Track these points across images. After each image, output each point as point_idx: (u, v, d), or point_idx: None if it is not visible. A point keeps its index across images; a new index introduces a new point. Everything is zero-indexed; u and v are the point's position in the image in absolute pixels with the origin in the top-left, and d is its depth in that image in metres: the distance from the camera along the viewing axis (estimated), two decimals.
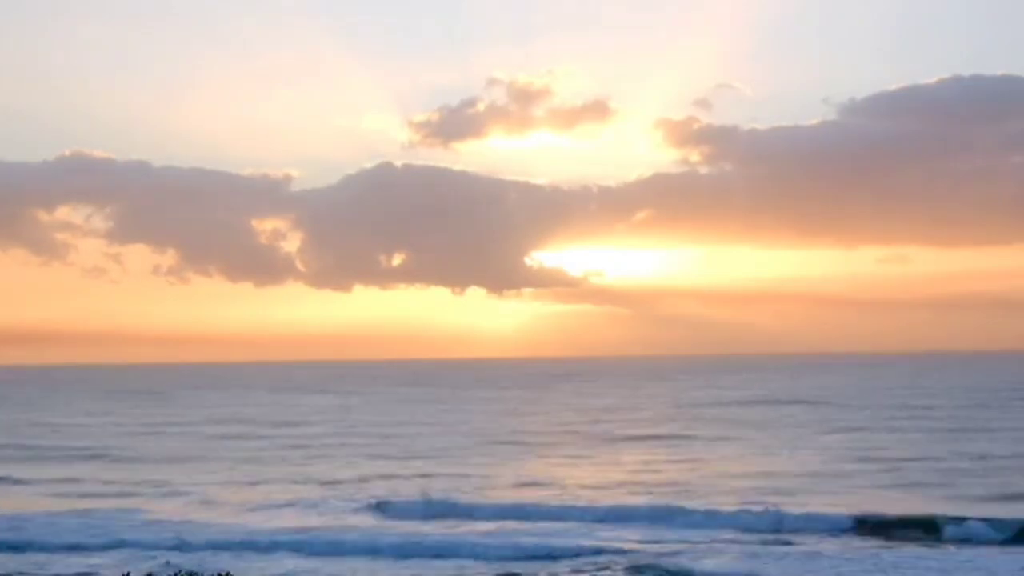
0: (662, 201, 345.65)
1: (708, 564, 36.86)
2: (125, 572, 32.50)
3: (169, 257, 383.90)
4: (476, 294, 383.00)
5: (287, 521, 46.71)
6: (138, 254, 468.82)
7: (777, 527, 43.61)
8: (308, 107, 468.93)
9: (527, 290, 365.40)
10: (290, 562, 39.30)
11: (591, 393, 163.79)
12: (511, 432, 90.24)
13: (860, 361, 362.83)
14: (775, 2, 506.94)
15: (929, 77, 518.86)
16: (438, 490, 53.58)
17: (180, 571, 30.41)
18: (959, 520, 43.51)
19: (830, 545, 40.28)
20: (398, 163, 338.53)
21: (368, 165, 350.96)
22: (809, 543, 40.59)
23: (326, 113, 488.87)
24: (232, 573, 32.40)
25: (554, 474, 61.90)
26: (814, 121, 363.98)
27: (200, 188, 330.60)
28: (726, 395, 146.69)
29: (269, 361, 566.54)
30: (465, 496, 52.02)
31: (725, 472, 61.39)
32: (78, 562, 39.41)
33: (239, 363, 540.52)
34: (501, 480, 59.15)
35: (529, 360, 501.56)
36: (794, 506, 47.23)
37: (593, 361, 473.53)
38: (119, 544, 41.97)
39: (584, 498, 51.76)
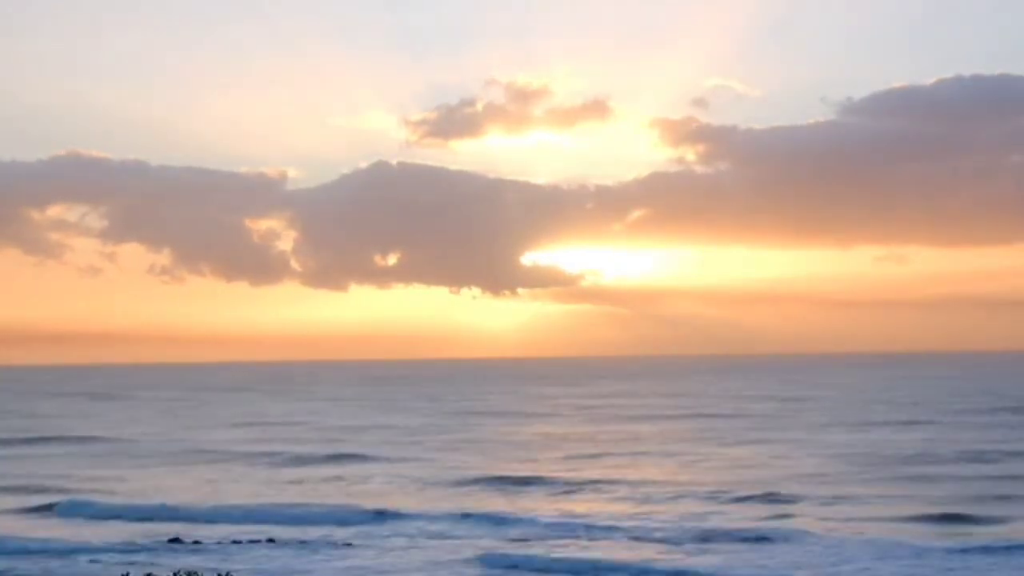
0: (660, 200, 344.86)
1: None
2: (124, 573, 31.90)
3: (164, 256, 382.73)
4: (472, 294, 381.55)
5: None
6: (133, 253, 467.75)
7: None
8: (306, 106, 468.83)
9: (522, 290, 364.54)
10: None
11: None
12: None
13: (856, 362, 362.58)
14: (773, 2, 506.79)
15: (929, 77, 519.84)
16: None
17: (180, 571, 29.81)
18: None
19: None
20: (394, 162, 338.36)
21: (365, 164, 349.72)
22: None
23: (324, 112, 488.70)
24: (232, 573, 31.80)
25: None
26: (812, 121, 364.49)
27: (196, 187, 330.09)
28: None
29: (265, 361, 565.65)
30: None
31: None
32: None
33: (237, 363, 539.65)
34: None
35: (520, 360, 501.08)
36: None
37: (581, 361, 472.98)
38: None
39: None
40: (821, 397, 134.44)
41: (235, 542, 42.07)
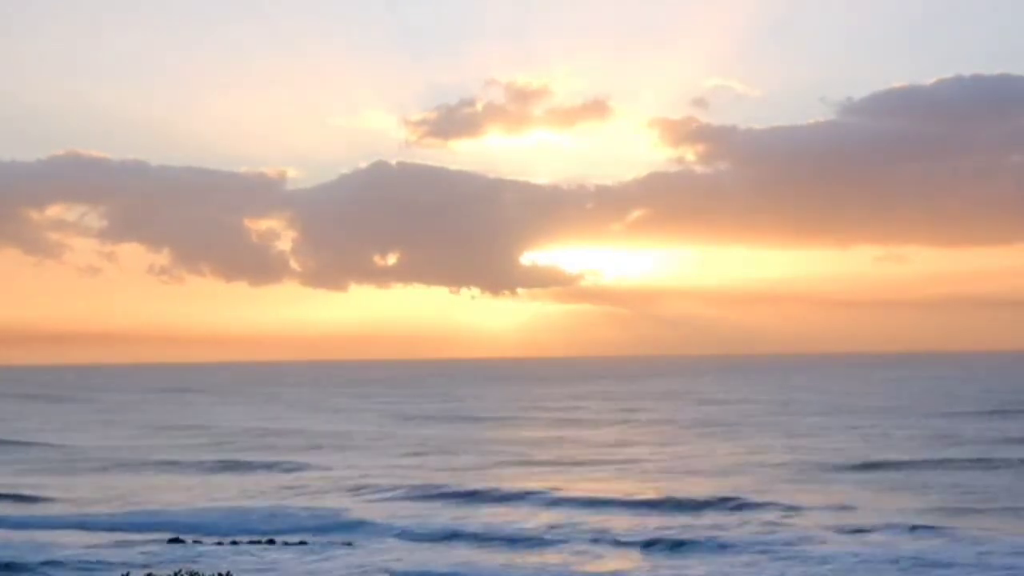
0: (659, 200, 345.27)
1: None
2: (124, 573, 31.81)
3: (164, 256, 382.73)
4: (472, 294, 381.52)
5: None
6: (132, 253, 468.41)
7: None
8: (306, 106, 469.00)
9: (521, 290, 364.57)
10: None
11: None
12: None
13: (856, 362, 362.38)
14: (773, 2, 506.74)
15: (929, 77, 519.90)
16: None
17: (180, 571, 29.75)
18: None
19: None
20: (393, 162, 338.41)
21: (365, 164, 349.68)
22: None
23: (324, 112, 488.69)
24: (232, 573, 31.75)
25: None
26: (812, 121, 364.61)
27: (195, 187, 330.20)
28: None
29: (265, 361, 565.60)
30: None
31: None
32: None
33: (235, 364, 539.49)
34: None
35: (519, 361, 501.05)
36: None
37: (580, 362, 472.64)
38: None
39: None
40: (812, 400, 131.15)
41: (234, 542, 42.01)
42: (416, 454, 74.98)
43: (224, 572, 31.59)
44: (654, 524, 44.72)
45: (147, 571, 33.23)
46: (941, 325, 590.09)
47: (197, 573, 29.11)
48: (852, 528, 42.91)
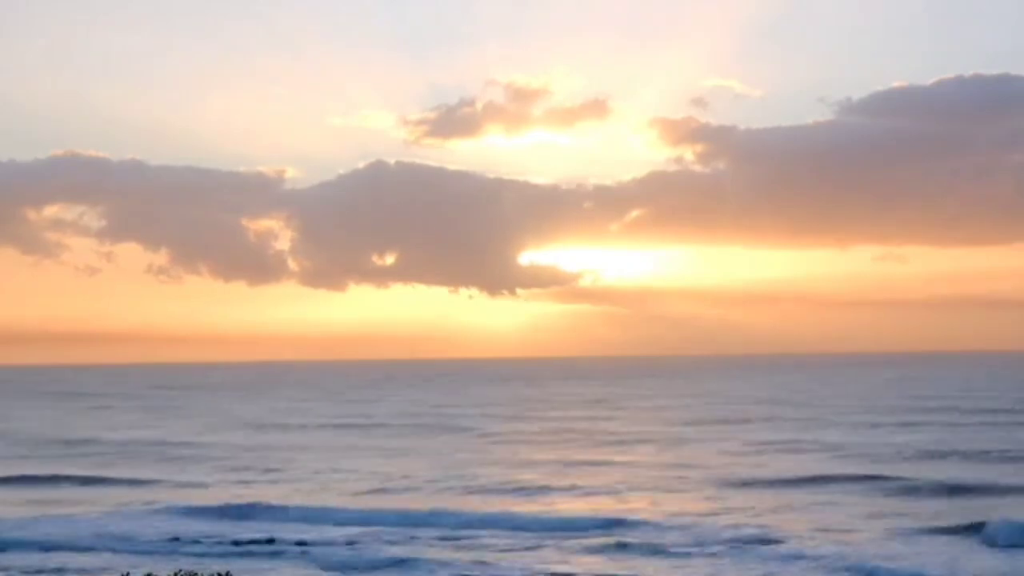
0: (658, 200, 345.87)
1: None
2: (124, 573, 31.49)
3: (162, 256, 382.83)
4: (470, 293, 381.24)
5: None
6: (130, 253, 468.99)
7: None
8: (304, 106, 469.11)
9: (520, 290, 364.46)
10: None
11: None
12: None
13: (854, 362, 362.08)
14: (773, 2, 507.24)
15: (929, 77, 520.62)
16: None
17: (180, 571, 29.40)
18: None
19: None
20: (392, 161, 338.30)
21: (363, 164, 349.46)
22: None
23: (323, 112, 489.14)
24: (232, 573, 31.39)
25: None
26: (812, 121, 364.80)
27: (193, 187, 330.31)
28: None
29: (263, 361, 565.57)
30: None
31: None
32: None
33: (230, 364, 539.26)
34: None
35: (517, 361, 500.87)
36: None
37: (576, 361, 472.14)
38: None
39: None
40: (759, 406, 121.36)
41: (235, 542, 41.55)
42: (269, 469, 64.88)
43: (224, 572, 31.26)
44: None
45: (146, 571, 32.91)
46: (940, 325, 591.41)
47: (197, 573, 28.77)
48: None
